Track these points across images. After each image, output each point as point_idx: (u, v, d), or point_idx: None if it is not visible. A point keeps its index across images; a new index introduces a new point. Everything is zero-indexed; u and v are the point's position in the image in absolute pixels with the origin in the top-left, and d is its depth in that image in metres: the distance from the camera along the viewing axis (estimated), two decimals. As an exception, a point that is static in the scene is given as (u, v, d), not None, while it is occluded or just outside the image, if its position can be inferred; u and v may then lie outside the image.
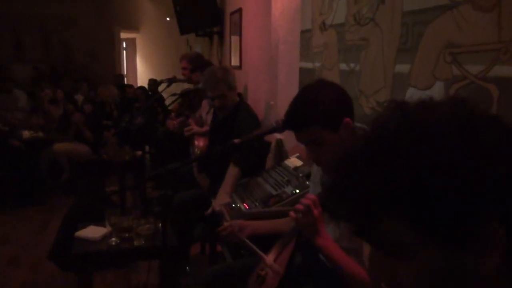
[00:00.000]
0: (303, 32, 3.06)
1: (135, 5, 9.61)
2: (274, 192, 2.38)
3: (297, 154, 2.73)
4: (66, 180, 5.44)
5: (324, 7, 2.68)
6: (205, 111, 3.83)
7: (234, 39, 5.03)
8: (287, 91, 3.50)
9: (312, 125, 1.45)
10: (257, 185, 2.54)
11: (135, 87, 7.84)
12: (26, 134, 5.40)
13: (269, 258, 1.48)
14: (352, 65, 2.39)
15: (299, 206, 1.42)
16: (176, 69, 6.10)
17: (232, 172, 2.70)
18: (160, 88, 3.58)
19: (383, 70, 2.09)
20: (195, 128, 3.36)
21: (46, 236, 3.94)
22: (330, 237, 1.44)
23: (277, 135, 3.10)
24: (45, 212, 4.80)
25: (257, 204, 2.32)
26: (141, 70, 9.89)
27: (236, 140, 1.59)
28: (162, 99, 6.23)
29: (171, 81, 3.63)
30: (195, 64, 3.90)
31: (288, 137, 3.19)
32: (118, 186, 3.06)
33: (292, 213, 1.53)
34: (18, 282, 3.33)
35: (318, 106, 1.45)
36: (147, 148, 5.02)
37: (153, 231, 2.32)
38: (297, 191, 2.27)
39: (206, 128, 3.44)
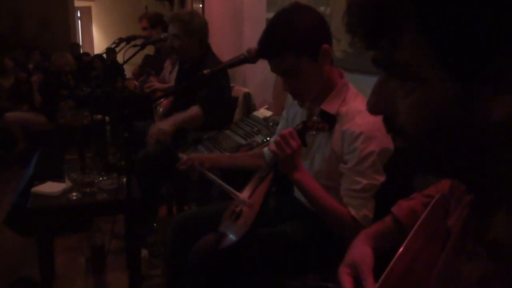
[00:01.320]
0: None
1: (89, -29, 9.13)
2: (243, 142, 2.29)
3: (266, 106, 2.64)
4: (21, 151, 5.15)
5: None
6: (168, 71, 3.66)
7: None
8: (254, 44, 3.38)
9: (287, 51, 1.35)
10: (226, 137, 2.44)
11: (92, 55, 7.49)
12: (-27, 102, 5.04)
13: (243, 194, 1.40)
14: (322, 8, 2.30)
15: (277, 138, 1.34)
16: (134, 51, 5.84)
17: (192, 110, 2.58)
18: (119, 49, 3.37)
19: (355, 8, 2.00)
20: (156, 84, 3.19)
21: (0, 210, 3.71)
22: (307, 171, 1.37)
23: (244, 89, 3.00)
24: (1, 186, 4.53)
25: (226, 153, 2.22)
26: (98, 39, 9.46)
27: (206, 71, 1.47)
28: (121, 69, 5.98)
29: (129, 39, 3.42)
30: (155, 21, 3.71)
31: (255, 91, 3.09)
32: (78, 153, 2.86)
33: (272, 146, 1.44)
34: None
35: (294, 31, 1.34)
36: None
37: (116, 185, 2.18)
38: (268, 139, 2.18)
39: (169, 84, 3.28)
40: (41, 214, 2.03)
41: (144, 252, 2.48)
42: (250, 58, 1.48)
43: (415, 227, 0.80)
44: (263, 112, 2.52)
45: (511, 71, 0.43)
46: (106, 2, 9.07)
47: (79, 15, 9.56)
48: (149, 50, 4.98)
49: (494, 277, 0.53)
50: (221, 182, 1.51)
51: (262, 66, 3.12)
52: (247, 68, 3.50)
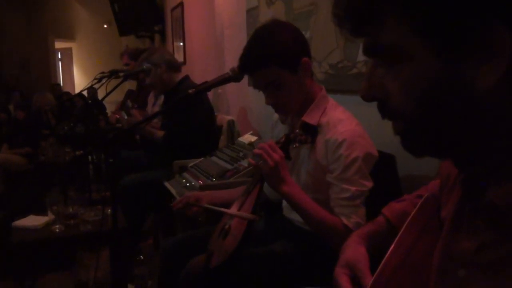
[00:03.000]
0: (249, 11, 3.01)
1: (70, 14, 9.23)
2: (229, 167, 2.28)
3: (251, 132, 2.65)
4: (1, 193, 5.02)
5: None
6: (151, 104, 3.68)
7: (176, 34, 4.92)
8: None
9: (269, 65, 1.37)
10: (211, 164, 2.43)
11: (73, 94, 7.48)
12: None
13: (232, 209, 1.38)
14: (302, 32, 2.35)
15: (256, 151, 1.34)
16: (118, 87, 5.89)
17: (159, 132, 2.81)
18: (100, 85, 3.36)
19: (334, 31, 2.06)
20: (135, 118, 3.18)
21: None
22: (295, 184, 1.36)
23: (228, 117, 3.01)
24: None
25: (213, 179, 2.20)
26: (79, 79, 9.48)
27: (191, 90, 1.48)
28: (103, 107, 5.99)
29: (111, 72, 3.43)
30: (136, 54, 3.75)
31: (239, 118, 3.11)
32: (60, 188, 2.80)
33: (251, 160, 1.44)
34: None
35: (275, 45, 1.37)
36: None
37: (100, 216, 2.13)
38: (254, 162, 2.18)
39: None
40: (24, 248, 1.96)
41: (131, 287, 2.40)
42: (234, 76, 1.50)
43: (406, 222, 0.80)
44: (247, 138, 2.52)
45: (491, 41, 0.44)
46: (87, 42, 9.15)
47: (59, 56, 9.60)
48: (132, 85, 5.03)
49: (491, 245, 0.53)
50: (217, 208, 1.48)
51: (244, 93, 3.16)
52: (230, 96, 3.54)
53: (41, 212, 2.18)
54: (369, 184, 1.34)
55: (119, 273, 2.22)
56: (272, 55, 1.36)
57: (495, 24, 0.44)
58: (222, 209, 1.40)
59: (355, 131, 1.36)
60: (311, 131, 1.39)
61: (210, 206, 1.48)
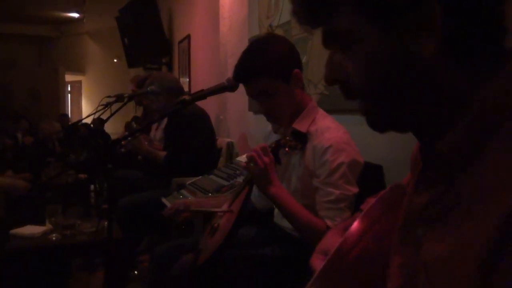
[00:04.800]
0: (251, 39, 3.14)
1: (82, 48, 9.54)
2: (226, 183, 2.32)
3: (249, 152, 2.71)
4: (2, 218, 5.05)
5: (271, 10, 2.78)
6: (154, 128, 3.77)
7: (182, 66, 5.07)
8: (236, 104, 3.53)
9: (262, 75, 1.45)
10: (209, 181, 2.48)
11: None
12: (-43, 167, 5.02)
13: (222, 208, 1.42)
14: (300, 57, 2.46)
15: (249, 154, 1.39)
16: (125, 113, 6.04)
17: (161, 153, 2.90)
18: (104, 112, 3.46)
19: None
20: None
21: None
22: (282, 186, 1.41)
23: (227, 139, 3.08)
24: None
25: (209, 194, 2.24)
26: (87, 111, 9.66)
27: (187, 97, 1.55)
28: (108, 137, 6.11)
29: (117, 97, 3.53)
30: (143, 82, 3.87)
31: (240, 142, 3.17)
32: (60, 203, 2.84)
33: (244, 164, 1.49)
34: None
35: (268, 56, 1.45)
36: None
37: (96, 228, 2.16)
38: (250, 179, 2.22)
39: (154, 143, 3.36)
40: (20, 255, 1.99)
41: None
42: (229, 86, 1.57)
43: (375, 200, 0.85)
44: (245, 158, 2.57)
45: (426, 17, 0.52)
46: (96, 76, 9.41)
47: (69, 88, 9.85)
48: (139, 113, 5.15)
49: (440, 197, 0.57)
50: (206, 208, 1.53)
51: (245, 119, 3.25)
52: (231, 122, 3.62)
53: (40, 223, 2.22)
54: (354, 189, 1.38)
55: (113, 282, 2.24)
56: (265, 66, 1.44)
57: (428, 2, 0.52)
58: (210, 209, 1.44)
59: (341, 138, 1.42)
60: (301, 138, 1.46)
61: (198, 209, 1.52)
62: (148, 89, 2.92)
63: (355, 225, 0.79)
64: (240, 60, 1.50)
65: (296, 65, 1.50)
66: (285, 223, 1.53)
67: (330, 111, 2.06)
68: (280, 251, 1.53)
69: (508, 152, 0.48)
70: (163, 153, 2.89)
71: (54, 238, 2.06)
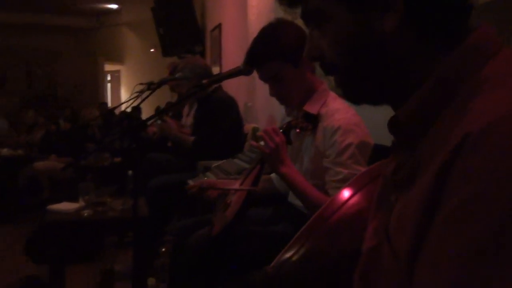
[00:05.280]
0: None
1: (120, 39, 9.84)
2: (247, 166, 2.40)
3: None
4: (46, 199, 5.36)
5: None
6: (185, 114, 3.89)
7: (214, 54, 5.17)
8: (264, 91, 3.58)
9: (272, 59, 1.52)
10: (233, 164, 2.57)
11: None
12: (5, 151, 5.37)
13: (235, 185, 1.51)
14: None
15: (260, 133, 1.47)
16: (161, 99, 6.22)
17: (189, 138, 3.01)
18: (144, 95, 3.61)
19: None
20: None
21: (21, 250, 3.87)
22: (293, 166, 1.48)
23: (253, 125, 3.17)
24: (22, 229, 4.70)
25: (231, 176, 2.34)
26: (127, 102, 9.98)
27: (204, 81, 1.64)
28: (145, 126, 6.31)
29: (149, 84, 3.67)
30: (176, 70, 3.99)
31: (266, 125, 3.25)
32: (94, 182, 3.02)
33: (253, 142, 1.57)
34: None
35: (278, 41, 1.52)
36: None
37: (127, 206, 2.31)
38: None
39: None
40: (55, 229, 2.16)
41: (152, 280, 2.53)
42: (244, 70, 1.65)
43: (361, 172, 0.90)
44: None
45: None
46: (134, 65, 9.69)
47: (109, 78, 10.19)
48: (173, 98, 5.31)
49: (403, 164, 0.62)
50: (226, 187, 1.61)
51: (271, 104, 3.31)
52: (258, 108, 3.70)
53: (74, 200, 2.39)
54: (363, 169, 1.42)
55: (140, 258, 2.38)
56: (275, 51, 1.51)
57: None
58: (227, 187, 1.53)
59: (350, 120, 1.47)
60: (312, 120, 1.52)
61: (220, 187, 1.61)
62: (177, 75, 3.03)
63: (340, 193, 0.86)
64: (251, 45, 1.58)
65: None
66: (297, 202, 1.60)
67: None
68: (291, 228, 1.60)
69: (458, 117, 0.51)
70: (191, 138, 3.01)
71: (86, 214, 2.22)
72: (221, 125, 2.88)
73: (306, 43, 0.70)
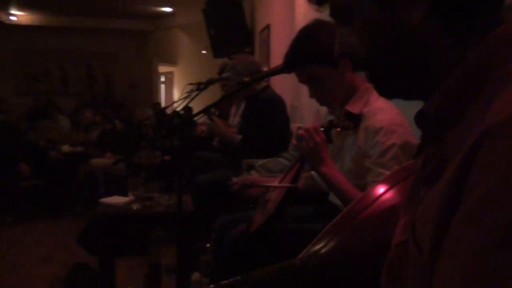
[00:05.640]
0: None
1: (174, 41, 10.13)
2: (291, 165, 2.42)
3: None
4: (102, 194, 5.62)
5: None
6: (233, 114, 3.96)
7: (262, 55, 5.21)
8: (311, 91, 3.58)
9: (309, 63, 1.52)
10: (277, 162, 2.59)
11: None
12: (66, 148, 5.68)
13: (275, 183, 1.53)
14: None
15: (301, 132, 1.47)
16: (213, 99, 6.32)
17: (236, 136, 3.05)
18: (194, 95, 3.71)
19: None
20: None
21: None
22: (334, 166, 1.47)
23: (298, 124, 3.17)
24: (79, 221, 4.96)
25: (273, 175, 2.36)
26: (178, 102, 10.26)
27: (246, 78, 1.67)
28: (193, 123, 6.47)
29: (198, 84, 3.77)
30: (224, 70, 4.07)
31: (309, 123, 3.24)
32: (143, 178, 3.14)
33: (294, 141, 1.58)
34: (49, 276, 3.45)
35: (314, 44, 1.52)
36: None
37: (172, 201, 2.38)
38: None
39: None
40: (105, 221, 2.27)
41: (196, 275, 2.60)
42: (283, 68, 1.66)
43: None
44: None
45: None
46: (186, 66, 9.94)
47: (163, 79, 10.51)
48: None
49: (430, 158, 0.62)
50: (266, 184, 1.64)
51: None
52: (305, 108, 3.70)
53: (124, 194, 2.50)
54: None
55: (184, 253, 2.45)
56: (311, 53, 1.51)
57: None
58: (267, 184, 1.55)
59: (393, 119, 1.44)
60: (354, 119, 1.50)
61: (261, 184, 1.64)
62: (224, 74, 3.10)
63: (374, 188, 0.85)
64: (289, 48, 1.59)
65: None
66: (338, 201, 1.59)
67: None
68: (330, 226, 1.60)
69: (483, 109, 0.50)
70: (238, 137, 3.06)
71: (134, 208, 2.32)
72: (269, 124, 2.92)
73: (335, 42, 0.71)
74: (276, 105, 2.99)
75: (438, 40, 0.60)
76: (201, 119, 5.37)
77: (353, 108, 1.54)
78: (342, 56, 0.71)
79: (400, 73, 0.64)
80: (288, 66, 1.59)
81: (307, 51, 1.51)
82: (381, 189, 0.85)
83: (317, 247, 0.84)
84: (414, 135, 1.47)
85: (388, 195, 0.84)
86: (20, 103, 7.90)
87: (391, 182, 0.85)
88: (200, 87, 3.53)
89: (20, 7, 9.40)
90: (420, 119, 0.63)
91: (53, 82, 10.15)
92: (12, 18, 9.74)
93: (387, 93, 0.70)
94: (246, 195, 1.85)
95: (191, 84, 3.98)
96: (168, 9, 9.19)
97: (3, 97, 7.53)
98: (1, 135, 5.03)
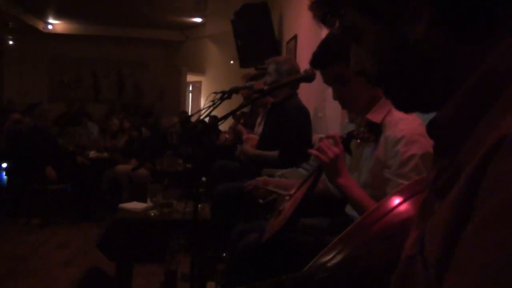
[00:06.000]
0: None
1: (202, 50, 10.24)
2: (312, 176, 2.37)
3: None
4: (125, 200, 5.67)
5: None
6: (258, 124, 3.94)
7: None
8: (335, 103, 3.52)
9: (337, 61, 1.49)
10: (296, 173, 2.54)
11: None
12: (92, 153, 5.78)
13: (290, 191, 1.49)
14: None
15: (320, 143, 1.44)
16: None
17: (272, 154, 2.95)
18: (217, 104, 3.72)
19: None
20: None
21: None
22: (351, 177, 1.42)
23: (319, 135, 3.12)
24: (101, 227, 5.02)
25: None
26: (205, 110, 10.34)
27: (265, 87, 1.64)
28: (218, 132, 6.50)
29: (223, 93, 3.77)
30: (255, 76, 4.06)
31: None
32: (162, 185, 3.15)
33: (312, 150, 1.54)
34: (69, 281, 3.50)
35: (343, 43, 1.48)
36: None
37: (190, 209, 2.37)
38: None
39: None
40: (124, 226, 2.27)
41: (211, 284, 2.57)
42: (306, 76, 1.63)
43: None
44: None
45: (414, 4, 0.56)
46: (214, 76, 10.02)
47: (190, 88, 10.63)
48: (248, 107, 5.40)
49: (443, 170, 0.58)
50: (280, 191, 1.61)
51: (341, 114, 3.25)
52: (329, 119, 3.65)
53: (143, 200, 2.50)
54: None
55: (199, 261, 2.42)
56: (340, 53, 1.47)
57: None
58: (281, 191, 1.51)
59: (415, 129, 1.39)
60: (375, 130, 1.45)
61: (272, 188, 1.60)
62: (247, 84, 3.08)
63: (389, 199, 0.81)
64: (317, 47, 1.56)
65: None
66: (354, 213, 1.54)
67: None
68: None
69: (498, 118, 0.48)
70: (273, 153, 2.98)
71: (152, 214, 2.31)
72: (294, 134, 2.88)
73: (351, 58, 0.71)
74: (301, 114, 2.94)
75: (447, 50, 0.57)
76: (225, 127, 5.40)
77: (375, 117, 1.49)
78: (358, 73, 0.71)
79: (413, 88, 0.62)
80: (315, 64, 1.57)
81: (338, 50, 1.48)
82: (396, 201, 0.81)
83: (325, 258, 0.80)
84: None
85: (403, 207, 0.80)
86: (53, 109, 8.12)
87: (406, 194, 0.81)
88: (224, 96, 3.54)
89: (57, 15, 9.72)
90: (432, 129, 0.59)
91: (85, 89, 10.42)
92: (49, 26, 10.08)
93: (403, 107, 0.68)
94: (258, 194, 1.83)
95: (215, 93, 4.00)
96: (198, 20, 9.31)
97: (37, 102, 7.77)
98: (32, 140, 5.16)
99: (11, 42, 10.14)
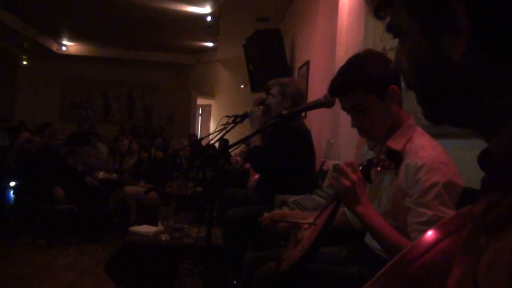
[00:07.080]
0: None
1: (213, 74, 10.33)
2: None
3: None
4: (133, 222, 5.63)
5: (385, 33, 2.75)
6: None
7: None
8: (348, 129, 3.50)
9: (356, 89, 1.46)
10: (310, 199, 2.50)
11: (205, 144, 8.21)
12: (101, 174, 5.77)
13: (309, 220, 1.45)
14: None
15: (338, 169, 1.40)
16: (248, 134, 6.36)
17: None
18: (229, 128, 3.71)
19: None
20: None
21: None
22: (371, 206, 1.38)
23: (334, 161, 3.08)
24: (109, 248, 4.97)
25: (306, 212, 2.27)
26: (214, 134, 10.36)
27: (285, 111, 1.62)
28: (229, 155, 6.47)
29: (235, 116, 3.77)
30: (261, 101, 4.05)
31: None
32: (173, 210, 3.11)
33: (332, 179, 1.50)
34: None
35: (363, 71, 1.46)
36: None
37: (202, 234, 2.32)
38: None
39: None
40: (134, 249, 2.23)
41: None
42: (325, 102, 1.61)
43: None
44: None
45: (456, 21, 0.54)
46: (224, 100, 10.07)
47: (200, 111, 10.68)
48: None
49: (494, 203, 0.54)
50: (298, 220, 1.57)
51: (357, 143, 3.22)
52: (342, 146, 3.62)
53: (154, 224, 2.46)
54: (450, 212, 1.29)
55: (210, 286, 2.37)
56: (360, 80, 1.46)
57: (459, 9, 0.54)
58: (300, 220, 1.47)
59: (437, 157, 1.35)
60: (395, 157, 1.42)
61: (291, 220, 1.56)
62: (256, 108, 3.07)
63: (427, 235, 0.77)
64: (337, 74, 1.54)
65: (393, 81, 1.48)
66: (374, 243, 1.49)
67: (437, 135, 1.97)
68: (366, 271, 1.49)
69: None
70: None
71: (163, 238, 2.27)
72: (291, 156, 2.83)
73: (395, 54, 0.68)
74: (301, 136, 2.89)
75: (486, 74, 0.54)
76: (236, 150, 5.38)
77: (395, 144, 1.46)
78: (396, 70, 0.69)
79: (445, 103, 0.60)
80: (334, 91, 1.54)
81: (357, 77, 1.46)
82: (436, 236, 0.76)
83: None
84: (460, 177, 1.37)
85: (445, 243, 0.76)
86: (63, 129, 8.17)
87: (448, 229, 0.77)
88: (236, 120, 3.53)
89: (71, 37, 9.89)
90: (484, 159, 0.56)
91: (95, 110, 10.51)
92: (63, 48, 10.25)
93: (434, 118, 0.65)
94: (275, 230, 1.77)
95: (227, 116, 3.99)
96: (210, 44, 9.42)
97: (48, 122, 7.82)
98: (41, 159, 5.16)
99: (25, 63, 10.31)
